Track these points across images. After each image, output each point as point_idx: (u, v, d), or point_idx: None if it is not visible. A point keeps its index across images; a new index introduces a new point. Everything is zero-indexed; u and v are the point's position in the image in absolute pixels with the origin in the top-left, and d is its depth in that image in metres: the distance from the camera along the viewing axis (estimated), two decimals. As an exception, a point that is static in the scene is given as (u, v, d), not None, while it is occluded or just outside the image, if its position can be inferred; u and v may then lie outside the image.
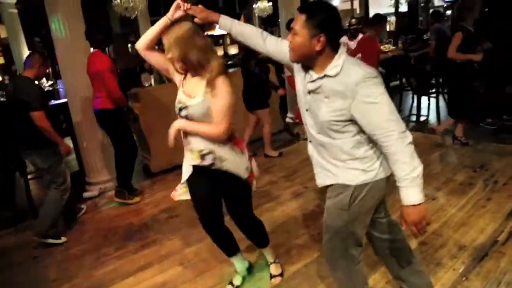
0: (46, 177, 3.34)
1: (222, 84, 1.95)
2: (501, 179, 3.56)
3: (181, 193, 2.31)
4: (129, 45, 11.67)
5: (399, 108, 6.37)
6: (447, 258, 2.54)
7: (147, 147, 4.74)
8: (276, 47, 1.90)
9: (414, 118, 5.98)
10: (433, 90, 5.92)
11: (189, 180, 2.21)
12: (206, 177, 2.16)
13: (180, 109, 2.04)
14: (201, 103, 1.96)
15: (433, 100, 5.84)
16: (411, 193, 1.59)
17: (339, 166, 1.71)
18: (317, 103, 1.66)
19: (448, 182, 3.63)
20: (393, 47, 6.32)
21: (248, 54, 4.50)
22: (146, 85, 6.17)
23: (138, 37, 11.71)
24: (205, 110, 1.97)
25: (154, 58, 2.09)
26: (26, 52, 9.39)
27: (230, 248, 2.46)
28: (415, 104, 6.02)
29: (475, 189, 3.43)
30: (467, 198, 3.30)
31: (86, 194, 4.29)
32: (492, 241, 2.65)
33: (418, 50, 7.07)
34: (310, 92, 1.68)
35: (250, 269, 2.62)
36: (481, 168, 3.85)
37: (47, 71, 4.09)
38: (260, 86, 4.62)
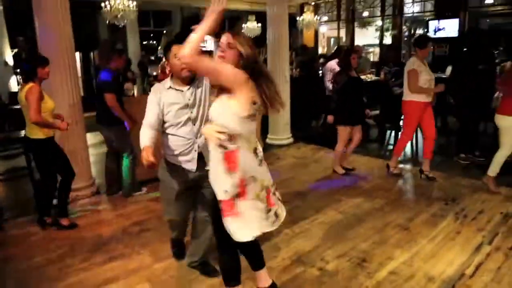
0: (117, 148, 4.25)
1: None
2: (471, 213, 3.64)
3: None
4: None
5: (381, 138, 6.50)
6: (416, 289, 2.56)
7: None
8: None
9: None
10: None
11: None
12: None
13: None
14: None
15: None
16: None
17: None
18: None
19: (421, 213, 3.69)
20: (375, 78, 6.50)
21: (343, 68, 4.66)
22: (129, 94, 6.11)
23: (125, 45, 11.71)
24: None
25: (205, 62, 1.93)
26: (8, 50, 9.24)
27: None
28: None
29: (445, 222, 3.50)
30: (438, 230, 3.35)
31: (56, 201, 4.15)
32: (460, 274, 2.69)
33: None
34: None
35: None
36: (453, 201, 3.94)
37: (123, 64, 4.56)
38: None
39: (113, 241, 3.37)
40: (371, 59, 12.01)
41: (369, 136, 6.56)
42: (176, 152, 2.48)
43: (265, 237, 3.31)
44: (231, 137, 1.95)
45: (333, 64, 5.79)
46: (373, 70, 6.83)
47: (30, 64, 3.42)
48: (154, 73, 9.28)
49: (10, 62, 9.29)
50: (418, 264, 2.84)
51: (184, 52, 1.86)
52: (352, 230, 3.40)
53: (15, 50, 9.71)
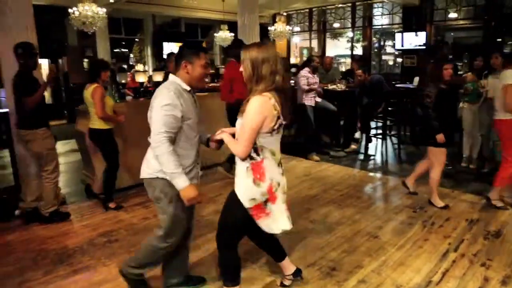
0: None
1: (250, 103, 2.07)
2: (438, 221, 3.73)
3: None
4: (85, 59, 11.31)
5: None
6: (384, 297, 2.58)
7: (91, 166, 4.53)
8: None
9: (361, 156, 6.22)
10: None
11: None
12: None
13: None
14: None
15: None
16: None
17: None
18: None
19: (390, 221, 3.75)
20: (343, 87, 6.64)
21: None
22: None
23: (95, 51, 11.45)
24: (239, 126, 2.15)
25: (247, 137, 2.13)
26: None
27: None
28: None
29: (414, 230, 3.57)
30: (406, 237, 3.41)
31: (18, 212, 3.98)
32: (427, 281, 2.74)
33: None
34: None
35: None
36: (421, 209, 4.03)
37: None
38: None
39: (78, 252, 3.25)
40: (343, 70, 12.27)
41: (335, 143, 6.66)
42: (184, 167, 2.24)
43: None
44: (257, 150, 2.12)
45: (305, 73, 5.86)
46: (343, 80, 6.95)
47: (94, 67, 4.07)
48: (123, 81, 9.18)
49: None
50: (386, 272, 2.87)
51: (239, 151, 2.11)
52: (322, 238, 3.41)
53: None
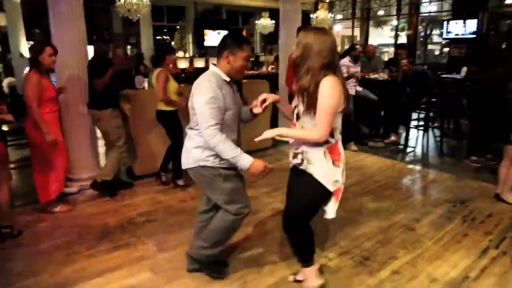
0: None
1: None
2: (479, 217, 3.59)
3: None
4: (128, 46, 11.68)
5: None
6: (418, 290, 2.54)
7: (133, 149, 4.71)
8: None
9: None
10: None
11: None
12: (293, 176, 2.30)
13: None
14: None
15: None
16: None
17: None
18: None
19: (427, 214, 3.66)
20: (385, 76, 6.44)
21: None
22: (139, 87, 6.16)
23: (138, 39, 11.80)
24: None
25: (328, 120, 2.13)
26: (24, 42, 9.38)
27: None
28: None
29: (452, 224, 3.46)
30: (444, 231, 3.31)
31: (66, 190, 4.23)
32: (464, 277, 2.66)
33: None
34: None
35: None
36: (461, 204, 3.89)
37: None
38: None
39: (119, 230, 3.41)
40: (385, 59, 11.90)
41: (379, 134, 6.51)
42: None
43: (268, 231, 3.33)
44: (331, 132, 2.11)
45: (345, 61, 5.75)
46: (385, 69, 6.74)
47: (160, 52, 4.29)
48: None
49: (26, 54, 9.45)
50: (422, 265, 2.81)
51: (319, 136, 2.06)
52: (357, 228, 3.39)
53: (31, 43, 9.87)
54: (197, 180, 2.46)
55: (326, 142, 2.11)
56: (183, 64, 10.12)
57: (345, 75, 5.66)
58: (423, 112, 6.27)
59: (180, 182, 4.40)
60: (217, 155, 2.31)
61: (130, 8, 7.32)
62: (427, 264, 2.83)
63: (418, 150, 5.96)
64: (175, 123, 4.26)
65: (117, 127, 4.13)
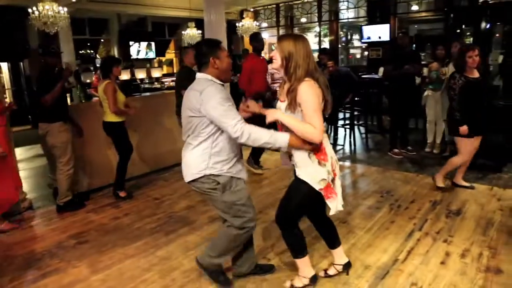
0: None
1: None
2: (404, 204, 3.86)
3: None
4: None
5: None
6: (353, 277, 2.66)
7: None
8: None
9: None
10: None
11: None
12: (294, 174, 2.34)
13: None
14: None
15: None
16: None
17: None
18: None
19: (358, 206, 3.86)
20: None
21: None
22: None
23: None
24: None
25: (318, 122, 2.19)
26: None
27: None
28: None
29: (381, 213, 3.68)
30: (374, 221, 3.52)
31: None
32: (393, 260, 2.84)
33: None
34: None
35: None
36: (388, 193, 4.16)
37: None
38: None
39: (47, 256, 3.18)
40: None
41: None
42: (229, 158, 2.33)
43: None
44: None
45: (270, 69, 5.92)
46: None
47: (106, 64, 4.24)
48: (88, 81, 9.02)
49: None
50: (355, 254, 2.96)
51: (317, 136, 2.12)
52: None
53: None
54: (200, 192, 2.40)
55: (310, 143, 2.16)
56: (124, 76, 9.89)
57: (270, 81, 5.83)
58: (348, 111, 6.61)
59: (122, 194, 4.34)
60: (224, 162, 2.29)
61: (46, 21, 6.89)
62: (360, 252, 2.98)
63: (346, 147, 6.27)
64: (123, 133, 4.30)
65: (64, 142, 3.99)
